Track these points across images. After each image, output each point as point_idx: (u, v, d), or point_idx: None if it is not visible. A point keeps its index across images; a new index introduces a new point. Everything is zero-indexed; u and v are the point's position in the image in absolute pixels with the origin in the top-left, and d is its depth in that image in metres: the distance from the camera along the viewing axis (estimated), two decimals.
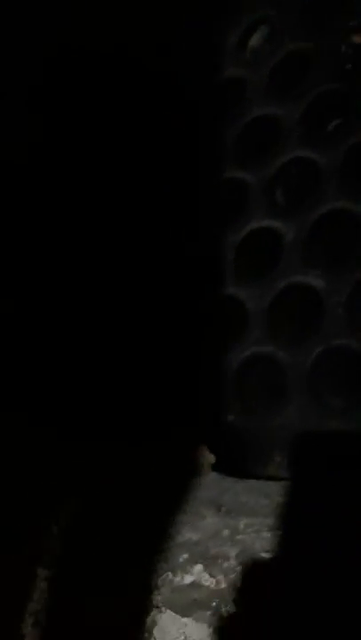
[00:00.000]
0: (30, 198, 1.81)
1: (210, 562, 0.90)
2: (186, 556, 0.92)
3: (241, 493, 1.11)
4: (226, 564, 0.88)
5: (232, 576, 0.85)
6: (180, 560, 0.91)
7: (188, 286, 1.71)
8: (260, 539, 0.92)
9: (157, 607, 0.89)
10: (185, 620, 0.86)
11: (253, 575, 0.85)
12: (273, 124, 1.67)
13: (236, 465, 1.39)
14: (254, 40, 1.82)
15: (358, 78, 1.55)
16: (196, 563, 0.90)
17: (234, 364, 1.57)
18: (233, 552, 0.90)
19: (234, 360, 1.57)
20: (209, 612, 0.85)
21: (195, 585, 0.87)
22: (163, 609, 0.88)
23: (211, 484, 1.17)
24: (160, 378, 1.62)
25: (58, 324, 1.76)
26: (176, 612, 0.87)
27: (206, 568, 0.88)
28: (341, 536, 0.92)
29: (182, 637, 0.85)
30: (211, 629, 0.83)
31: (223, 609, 0.85)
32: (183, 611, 0.87)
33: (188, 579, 0.88)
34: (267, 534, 0.93)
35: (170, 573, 0.90)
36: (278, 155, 1.63)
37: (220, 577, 0.86)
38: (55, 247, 1.82)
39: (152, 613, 0.89)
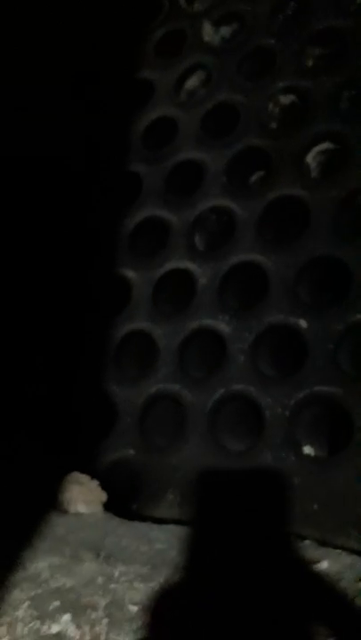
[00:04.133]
0: None
1: (79, 611, 0.92)
2: (57, 603, 0.94)
3: (124, 537, 1.13)
4: (94, 615, 0.90)
5: (97, 628, 0.88)
6: (51, 608, 0.93)
7: (100, 316, 1.74)
8: (132, 589, 0.95)
9: None
10: None
11: (118, 627, 0.88)
12: (199, 169, 1.73)
13: (129, 501, 1.43)
14: (190, 83, 1.88)
15: (281, 137, 1.63)
16: (66, 612, 0.92)
17: (139, 400, 1.60)
18: (103, 602, 0.93)
19: (140, 395, 1.60)
20: None
21: (60, 636, 0.89)
22: None
23: (97, 524, 1.19)
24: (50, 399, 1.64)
25: None
26: None
27: (74, 618, 0.90)
28: (218, 595, 0.96)
29: None
30: None
31: None
32: None
33: (55, 628, 0.90)
34: (139, 585, 0.96)
35: (38, 622, 0.91)
36: (201, 200, 1.69)
37: (86, 628, 0.88)
38: None
39: None
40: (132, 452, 1.54)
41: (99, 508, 1.29)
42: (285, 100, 1.67)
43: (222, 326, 1.55)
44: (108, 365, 1.69)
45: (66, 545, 1.09)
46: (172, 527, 1.21)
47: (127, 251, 1.76)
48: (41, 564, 1.02)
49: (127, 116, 1.93)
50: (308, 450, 1.39)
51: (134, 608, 0.91)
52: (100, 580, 0.99)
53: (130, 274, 1.73)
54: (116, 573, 1.00)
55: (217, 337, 1.54)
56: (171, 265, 1.68)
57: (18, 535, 1.09)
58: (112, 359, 1.70)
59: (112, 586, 0.97)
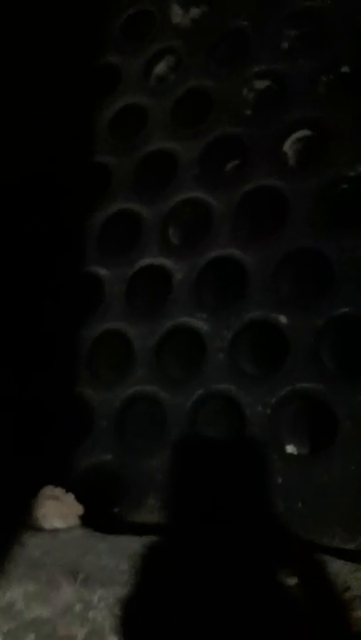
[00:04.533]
0: None
1: None
2: (32, 637, 0.88)
3: (103, 555, 1.07)
4: None
5: None
6: None
7: (72, 316, 1.66)
8: (111, 616, 0.90)
9: None
10: None
11: None
12: (170, 160, 1.65)
13: (108, 508, 1.37)
14: (159, 68, 1.79)
15: (257, 125, 1.56)
16: None
17: (116, 402, 1.54)
18: (81, 633, 0.87)
19: (117, 397, 1.54)
20: None
21: None
22: None
23: (74, 541, 1.13)
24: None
25: None
26: None
27: None
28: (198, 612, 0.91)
29: None
30: None
31: None
32: None
33: None
34: (119, 611, 0.91)
35: None
36: (174, 192, 1.61)
37: None
38: None
39: None
40: (109, 456, 1.48)
41: (76, 522, 1.23)
42: (260, 84, 1.59)
43: (200, 324, 1.48)
44: (82, 367, 1.62)
45: (41, 568, 1.02)
46: (153, 539, 1.15)
47: (97, 247, 1.68)
48: (15, 593, 0.95)
49: (93, 104, 1.84)
50: (290, 449, 1.34)
51: (114, 638, 0.86)
52: (77, 607, 0.93)
53: (101, 271, 1.66)
54: (95, 598, 0.94)
55: (195, 335, 1.48)
56: (144, 261, 1.61)
57: None
58: (86, 360, 1.63)
59: (91, 614, 0.91)
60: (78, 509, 1.25)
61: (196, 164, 1.61)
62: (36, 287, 1.74)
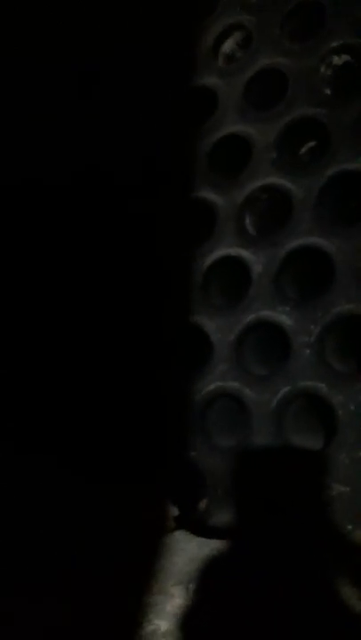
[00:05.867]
0: None
1: None
2: None
3: (207, 564, 1.07)
4: None
5: None
6: None
7: (153, 312, 1.63)
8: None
9: None
10: None
11: None
12: (245, 144, 1.57)
13: (193, 508, 1.36)
14: (227, 46, 1.70)
15: (337, 104, 1.47)
16: None
17: (196, 396, 1.52)
18: None
19: (198, 394, 1.51)
20: None
21: None
22: None
23: (176, 548, 1.12)
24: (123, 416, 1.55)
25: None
26: None
27: None
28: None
29: None
30: None
31: None
32: None
33: None
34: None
35: None
36: (250, 178, 1.55)
37: None
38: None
39: None
40: (193, 453, 1.47)
41: (172, 527, 1.23)
42: (339, 60, 1.49)
43: (283, 318, 1.44)
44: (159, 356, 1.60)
45: (153, 579, 1.02)
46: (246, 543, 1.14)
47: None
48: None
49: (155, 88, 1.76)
50: None
51: None
52: (194, 621, 0.92)
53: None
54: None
55: (279, 330, 1.44)
56: (220, 252, 1.56)
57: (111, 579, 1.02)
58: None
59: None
60: (173, 511, 1.25)
61: (273, 148, 1.53)
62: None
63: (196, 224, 1.61)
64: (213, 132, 1.63)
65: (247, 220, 1.55)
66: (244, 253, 1.52)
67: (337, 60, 1.50)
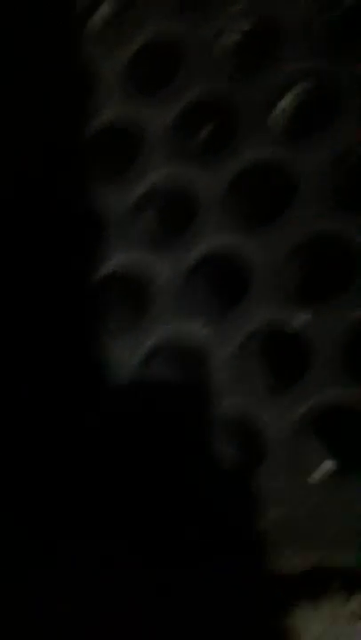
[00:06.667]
0: None
1: None
2: None
3: None
4: None
5: None
6: None
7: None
8: None
9: None
10: None
11: None
12: (134, 131, 1.31)
13: None
14: (104, 9, 1.42)
15: (242, 80, 1.24)
16: None
17: None
18: None
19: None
20: None
21: None
22: None
23: None
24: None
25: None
26: None
27: None
28: None
29: None
30: None
31: None
32: None
33: None
34: None
35: None
36: (142, 172, 1.28)
37: None
38: None
39: None
40: None
41: None
42: (243, 26, 1.26)
43: (200, 334, 1.18)
44: None
45: None
46: None
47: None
48: None
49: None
50: None
51: None
52: None
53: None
54: None
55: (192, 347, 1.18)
56: (114, 262, 1.28)
57: None
58: None
59: None
60: None
61: (167, 136, 1.27)
62: None
63: (84, 230, 1.32)
64: (94, 117, 1.34)
65: (143, 223, 1.28)
66: (143, 262, 1.25)
67: (241, 25, 1.26)
